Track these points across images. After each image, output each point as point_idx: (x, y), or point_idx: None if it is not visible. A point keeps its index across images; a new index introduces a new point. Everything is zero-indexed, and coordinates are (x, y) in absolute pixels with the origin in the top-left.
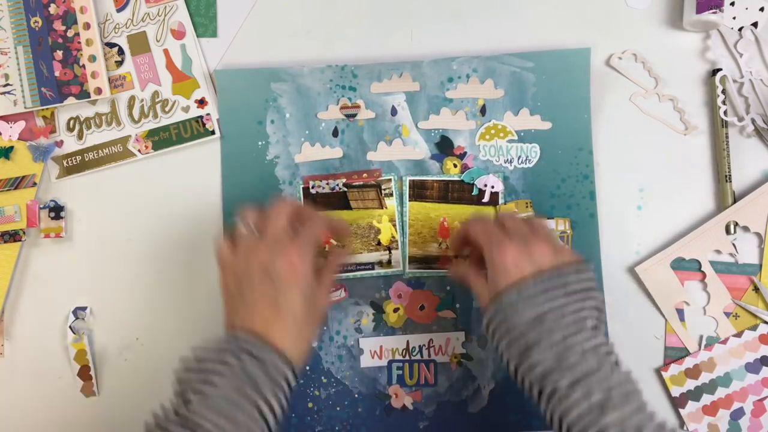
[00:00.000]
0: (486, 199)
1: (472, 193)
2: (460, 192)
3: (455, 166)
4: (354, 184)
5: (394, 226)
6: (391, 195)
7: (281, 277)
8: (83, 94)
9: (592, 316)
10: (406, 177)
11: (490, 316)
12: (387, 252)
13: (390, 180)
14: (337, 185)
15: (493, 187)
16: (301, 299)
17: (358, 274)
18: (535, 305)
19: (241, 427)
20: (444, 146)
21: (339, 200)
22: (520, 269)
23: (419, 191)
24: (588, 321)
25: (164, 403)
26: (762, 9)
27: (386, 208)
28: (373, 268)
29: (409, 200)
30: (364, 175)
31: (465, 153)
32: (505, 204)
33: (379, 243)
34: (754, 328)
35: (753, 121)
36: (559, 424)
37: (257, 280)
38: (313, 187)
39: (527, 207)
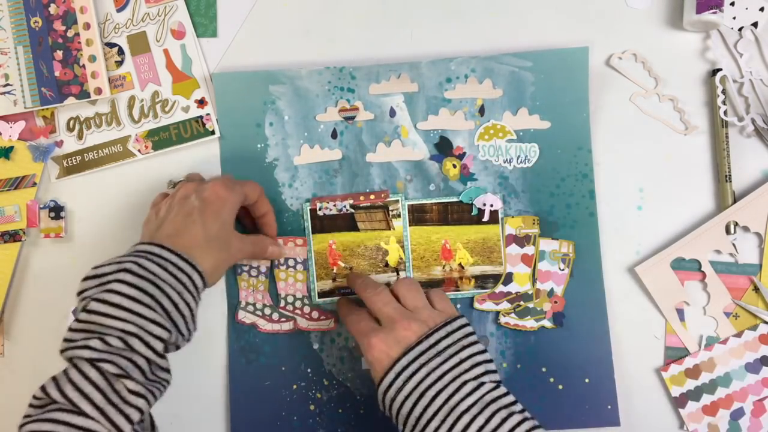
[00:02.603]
0: (486, 218)
1: (472, 213)
2: (459, 213)
3: (454, 166)
4: (361, 205)
5: (402, 247)
6: (399, 216)
7: (203, 199)
8: (83, 94)
9: (475, 364)
10: (405, 202)
11: (380, 403)
12: (395, 274)
13: (398, 201)
14: (345, 207)
15: (492, 205)
16: (218, 224)
17: None
18: (411, 377)
19: (146, 323)
20: (443, 147)
21: (346, 222)
22: (390, 355)
23: (419, 215)
24: (470, 372)
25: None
26: (762, 9)
27: (394, 229)
28: None
29: (410, 225)
30: (372, 196)
31: (464, 153)
32: (512, 218)
33: (386, 264)
34: (754, 328)
35: (753, 121)
36: None
37: (178, 204)
38: (320, 209)
39: (534, 224)
